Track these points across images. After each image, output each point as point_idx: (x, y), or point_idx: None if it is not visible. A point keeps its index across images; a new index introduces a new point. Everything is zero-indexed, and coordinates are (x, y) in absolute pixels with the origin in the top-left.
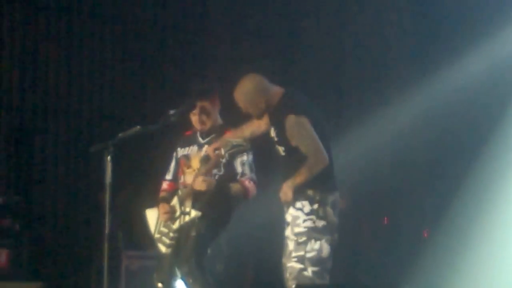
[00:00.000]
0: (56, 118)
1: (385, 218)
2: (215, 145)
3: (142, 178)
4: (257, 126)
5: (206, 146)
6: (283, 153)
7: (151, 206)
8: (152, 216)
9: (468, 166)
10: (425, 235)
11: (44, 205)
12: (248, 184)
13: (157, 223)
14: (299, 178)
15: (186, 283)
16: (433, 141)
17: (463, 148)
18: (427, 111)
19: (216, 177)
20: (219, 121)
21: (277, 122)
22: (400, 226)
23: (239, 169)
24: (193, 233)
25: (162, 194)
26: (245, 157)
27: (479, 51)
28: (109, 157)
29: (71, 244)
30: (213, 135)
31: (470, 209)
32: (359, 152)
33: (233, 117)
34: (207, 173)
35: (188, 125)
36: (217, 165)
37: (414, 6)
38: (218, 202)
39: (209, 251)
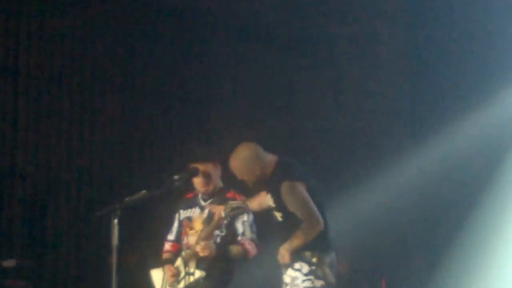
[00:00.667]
0: (67, 185)
1: (383, 281)
2: (216, 207)
3: (146, 240)
4: (264, 199)
5: (207, 208)
6: (280, 219)
7: (155, 266)
8: (157, 276)
9: (461, 227)
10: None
11: (56, 268)
12: (249, 245)
13: (162, 283)
14: (296, 242)
15: None
16: (426, 203)
17: (455, 210)
18: (420, 175)
19: (218, 238)
20: (220, 183)
21: (273, 189)
22: None
23: (240, 229)
24: None
25: (165, 255)
26: (245, 218)
27: (471, 119)
28: (115, 221)
29: None
30: (214, 198)
31: (464, 270)
32: (355, 214)
33: (234, 180)
34: (210, 234)
35: (189, 187)
36: (219, 226)
37: (410, 71)
38: (221, 263)
39: None
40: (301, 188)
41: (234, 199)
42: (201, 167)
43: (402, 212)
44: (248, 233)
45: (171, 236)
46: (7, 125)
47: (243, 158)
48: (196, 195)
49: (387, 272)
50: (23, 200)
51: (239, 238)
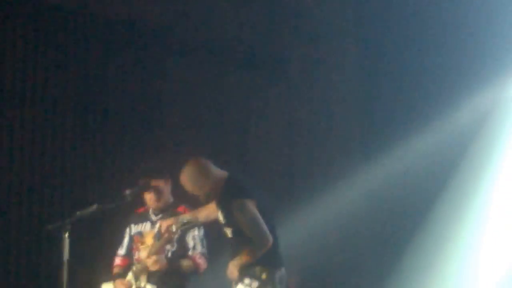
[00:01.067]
0: (19, 198)
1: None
2: (167, 222)
3: (96, 254)
4: (212, 211)
5: (158, 223)
6: (230, 235)
7: (106, 281)
8: None
9: (410, 244)
10: None
11: (7, 283)
12: (199, 259)
13: None
14: (244, 258)
15: None
16: (376, 220)
17: (404, 227)
18: (370, 192)
19: (169, 253)
20: (171, 199)
21: (224, 205)
22: None
23: (190, 243)
24: None
25: (116, 269)
26: (196, 232)
27: (422, 136)
28: (66, 235)
29: None
30: (165, 213)
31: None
32: (306, 231)
33: (185, 195)
34: (161, 248)
35: (140, 202)
36: (169, 241)
37: (363, 89)
38: (172, 277)
39: None
40: (251, 205)
41: (185, 214)
42: (152, 182)
43: (352, 228)
44: (199, 248)
45: (121, 251)
46: None
47: (192, 174)
48: (147, 210)
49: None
50: None
51: (190, 252)
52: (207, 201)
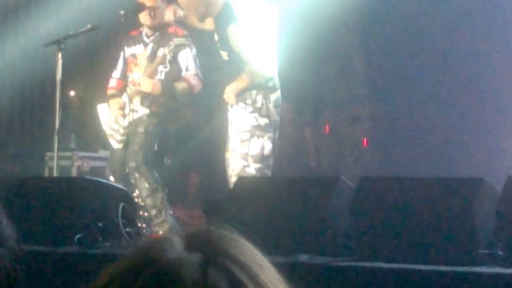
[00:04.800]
0: (17, 19)
1: (327, 126)
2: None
3: (91, 77)
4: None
5: (151, 44)
6: (226, 58)
7: (101, 102)
8: (103, 112)
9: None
10: (365, 144)
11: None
12: (193, 80)
13: (109, 119)
14: (241, 83)
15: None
16: (369, 43)
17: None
18: None
19: (163, 74)
20: (164, 18)
21: (220, 28)
22: (341, 135)
23: (183, 64)
24: (141, 130)
25: (111, 91)
26: (188, 53)
27: None
28: (60, 54)
29: (26, 141)
30: (157, 33)
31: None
32: (301, 57)
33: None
34: (154, 70)
35: (134, 25)
36: (162, 61)
37: None
38: (165, 100)
39: (156, 147)
40: (247, 31)
41: (177, 34)
42: (147, 2)
43: (346, 60)
44: (192, 68)
45: (116, 74)
46: None
47: None
48: (140, 33)
49: (331, 119)
50: None
51: (183, 73)
52: (201, 21)
